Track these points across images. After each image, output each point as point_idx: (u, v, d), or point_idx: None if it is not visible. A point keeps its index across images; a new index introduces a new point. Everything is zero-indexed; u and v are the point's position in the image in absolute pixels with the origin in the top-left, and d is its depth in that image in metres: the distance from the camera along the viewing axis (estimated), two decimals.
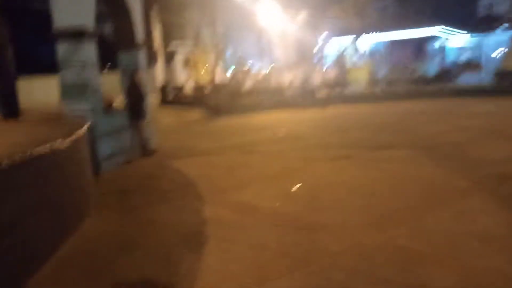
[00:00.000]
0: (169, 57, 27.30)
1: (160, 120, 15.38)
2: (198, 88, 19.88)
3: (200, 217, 4.84)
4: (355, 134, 10.10)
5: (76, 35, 6.83)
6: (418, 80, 19.36)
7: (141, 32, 9.42)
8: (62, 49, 7.08)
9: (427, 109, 14.35)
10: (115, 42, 9.18)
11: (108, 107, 8.31)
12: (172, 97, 22.05)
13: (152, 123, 9.82)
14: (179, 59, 26.03)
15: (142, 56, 9.44)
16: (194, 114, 16.94)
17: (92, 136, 6.88)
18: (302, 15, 27.64)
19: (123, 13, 8.87)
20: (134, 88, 8.57)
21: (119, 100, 9.39)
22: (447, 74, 21.03)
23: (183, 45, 24.88)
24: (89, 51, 7.13)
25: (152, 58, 27.12)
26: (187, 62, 23.78)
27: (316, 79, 23.51)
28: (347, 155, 7.53)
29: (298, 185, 5.83)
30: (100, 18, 8.77)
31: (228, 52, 29.39)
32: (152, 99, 24.53)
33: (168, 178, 6.64)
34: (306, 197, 5.39)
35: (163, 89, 22.68)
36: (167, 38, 26.79)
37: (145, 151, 8.74)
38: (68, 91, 7.19)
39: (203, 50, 21.31)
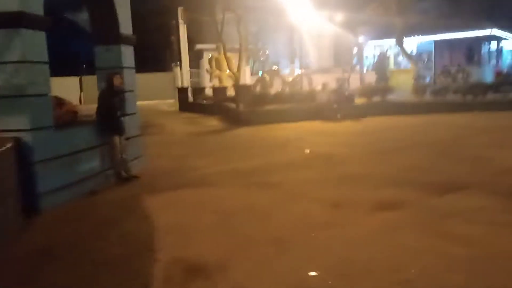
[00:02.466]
0: (195, 58, 25.58)
1: (172, 129, 13.45)
2: (220, 91, 17.81)
3: None
4: (403, 159, 7.67)
5: (10, 20, 4.82)
6: (472, 88, 16.46)
7: (127, 21, 7.40)
8: None
9: (489, 125, 11.63)
10: (91, 35, 7.20)
11: (69, 119, 6.34)
12: (193, 101, 20.16)
13: (139, 139, 7.78)
14: (205, 60, 24.24)
15: (127, 53, 7.42)
16: (212, 122, 14.90)
17: (27, 161, 4.89)
18: (339, 14, 25.17)
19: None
20: (110, 94, 6.54)
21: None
22: (507, 81, 17.98)
23: (210, 45, 23.05)
24: (33, 44, 5.10)
25: (175, 59, 25.60)
26: (211, 63, 21.82)
27: (354, 84, 21.06)
28: (398, 202, 5.14)
29: (315, 273, 3.51)
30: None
31: (259, 53, 27.35)
32: (169, 104, 23.14)
33: (125, 232, 4.49)
34: None
35: (183, 92, 20.84)
36: (194, 38, 25.10)
37: (121, 177, 6.70)
38: None
39: (230, 50, 19.31)
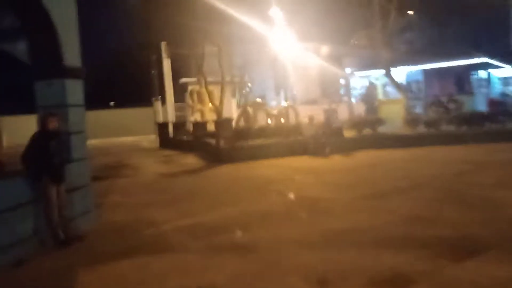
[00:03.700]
0: (181, 92, 24.68)
1: (143, 169, 12.20)
2: (200, 126, 16.68)
3: None
4: (402, 205, 6.50)
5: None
6: (467, 118, 15.57)
7: (74, 51, 6.30)
8: None
9: (490, 160, 10.54)
10: (31, 67, 6.07)
11: None
12: (173, 136, 19.00)
13: (88, 189, 6.53)
14: (189, 93, 23.35)
15: (74, 88, 6.27)
16: (189, 160, 13.68)
17: None
18: (325, 46, 24.64)
19: (42, 26, 5.80)
20: (44, 137, 5.36)
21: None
22: (502, 110, 17.17)
23: (194, 79, 22.17)
24: None
25: (155, 93, 24.65)
26: (192, 96, 20.85)
27: (342, 116, 20.14)
28: (403, 273, 3.94)
29: None
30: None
31: (244, 86, 26.53)
32: (150, 140, 21.98)
33: None
34: None
35: (163, 128, 19.71)
36: (179, 72, 24.30)
37: (59, 239, 5.41)
38: None
39: (215, 83, 18.42)
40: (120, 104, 30.05)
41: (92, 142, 23.68)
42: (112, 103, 32.67)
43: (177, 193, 8.54)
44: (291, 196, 7.78)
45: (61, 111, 6.04)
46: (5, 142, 24.64)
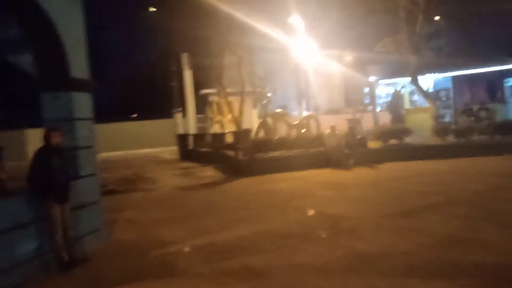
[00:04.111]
0: (202, 103, 24.54)
1: (160, 183, 11.91)
2: (219, 138, 16.33)
3: None
4: (436, 225, 5.87)
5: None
6: (501, 127, 14.68)
7: (81, 63, 6.02)
8: None
9: None
10: (36, 80, 5.82)
11: None
12: (193, 148, 18.74)
13: (97, 207, 6.20)
14: (209, 104, 23.20)
15: (81, 101, 5.99)
16: (208, 173, 13.33)
17: None
18: (349, 53, 24.03)
19: (46, 36, 5.55)
20: (47, 153, 5.06)
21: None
22: None
23: (215, 90, 21.98)
24: None
25: (176, 105, 24.57)
26: (212, 107, 20.62)
27: (366, 125, 19.46)
28: None
29: None
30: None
31: (264, 96, 26.18)
32: (171, 152, 21.74)
33: None
34: None
35: (183, 139, 19.50)
36: (201, 83, 24.19)
37: (63, 262, 5.07)
38: None
39: (234, 94, 18.13)
40: (142, 116, 30.17)
41: (115, 154, 23.84)
42: (134, 115, 32.89)
43: (192, 209, 8.14)
44: (312, 213, 7.28)
45: (68, 125, 5.78)
46: (30, 154, 25.02)
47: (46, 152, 5.07)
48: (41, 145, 5.13)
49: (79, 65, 5.99)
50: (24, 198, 5.03)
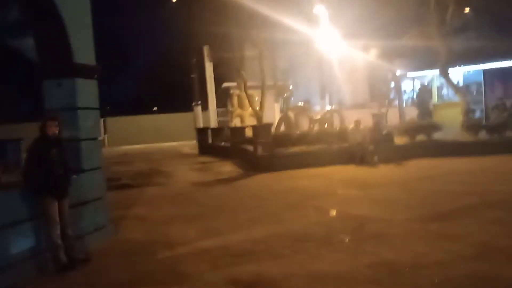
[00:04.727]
0: (224, 97, 24.16)
1: (177, 177, 11.56)
2: (239, 132, 15.84)
3: None
4: (471, 231, 5.24)
5: None
6: None
7: (86, 47, 5.64)
8: None
9: None
10: (38, 65, 5.46)
11: None
12: (211, 142, 18.36)
13: (102, 202, 5.83)
14: (230, 97, 22.77)
15: (86, 88, 5.60)
16: (226, 168, 12.90)
17: None
18: (375, 45, 23.12)
19: (46, 16, 5.19)
20: (44, 145, 4.69)
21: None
22: None
23: (236, 83, 21.54)
24: None
25: (196, 98, 24.23)
26: (232, 101, 20.17)
27: (392, 120, 18.66)
28: None
29: None
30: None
31: (286, 90, 25.59)
32: (191, 146, 21.47)
33: None
34: None
35: (202, 133, 19.13)
36: (223, 76, 23.81)
37: (61, 262, 4.70)
38: None
39: (255, 87, 17.65)
40: (163, 109, 30.05)
41: (134, 147, 23.75)
42: (155, 108, 32.80)
43: (206, 206, 7.72)
44: (333, 214, 6.75)
45: (71, 114, 5.42)
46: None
47: (42, 143, 4.69)
48: (36, 136, 4.76)
49: (83, 50, 5.60)
50: (19, 193, 4.68)
